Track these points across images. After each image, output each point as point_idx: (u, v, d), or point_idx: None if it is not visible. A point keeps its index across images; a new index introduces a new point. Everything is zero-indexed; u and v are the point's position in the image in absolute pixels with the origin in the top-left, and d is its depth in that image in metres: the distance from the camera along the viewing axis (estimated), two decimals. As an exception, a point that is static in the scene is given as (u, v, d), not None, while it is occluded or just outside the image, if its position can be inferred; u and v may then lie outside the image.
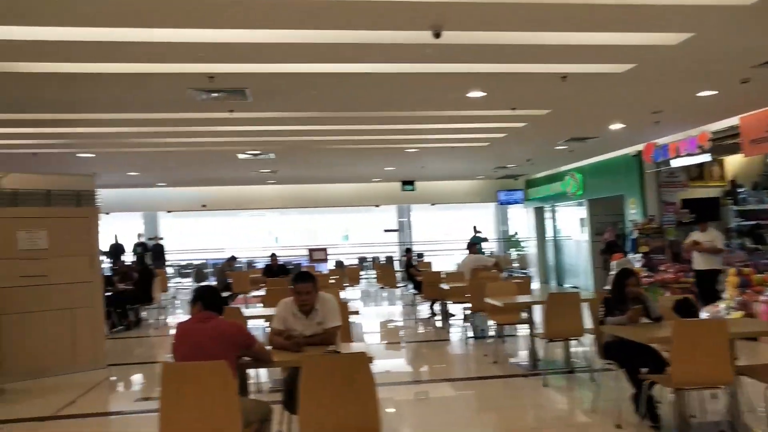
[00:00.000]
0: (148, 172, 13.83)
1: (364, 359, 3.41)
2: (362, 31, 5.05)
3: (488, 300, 7.32)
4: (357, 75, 6.35)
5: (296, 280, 4.48)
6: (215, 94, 6.68)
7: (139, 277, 11.79)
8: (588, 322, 6.32)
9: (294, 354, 4.13)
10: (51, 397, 6.51)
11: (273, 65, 6.02)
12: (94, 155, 10.82)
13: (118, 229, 17.19)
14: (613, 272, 9.21)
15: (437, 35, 4.72)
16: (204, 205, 17.74)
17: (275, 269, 12.04)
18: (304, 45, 5.32)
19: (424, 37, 4.95)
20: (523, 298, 7.63)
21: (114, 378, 7.55)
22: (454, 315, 11.20)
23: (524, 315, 7.56)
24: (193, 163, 12.37)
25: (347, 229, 23.19)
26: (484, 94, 7.31)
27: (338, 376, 3.38)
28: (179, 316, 13.58)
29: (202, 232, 21.45)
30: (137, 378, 7.79)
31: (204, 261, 19.33)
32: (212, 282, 17.07)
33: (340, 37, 5.17)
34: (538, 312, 7.45)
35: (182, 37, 5.04)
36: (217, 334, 3.61)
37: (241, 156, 11.57)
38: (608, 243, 13.21)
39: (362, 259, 19.42)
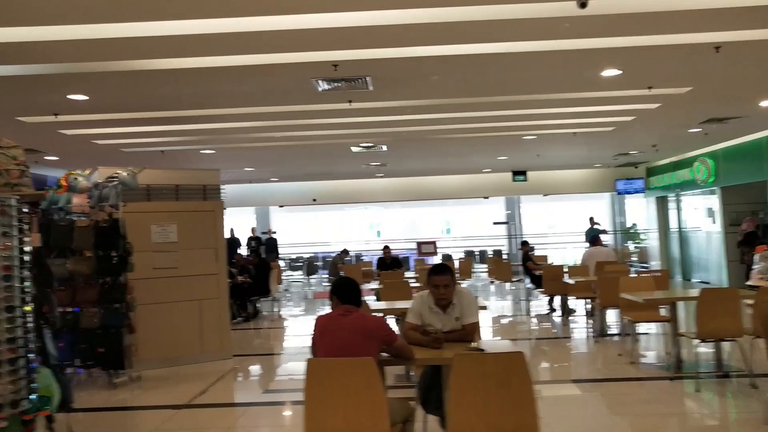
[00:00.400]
0: (263, 167, 14.18)
1: (521, 359, 3.09)
2: (497, 6, 4.70)
3: (625, 295, 6.75)
4: (484, 56, 5.99)
5: (434, 272, 4.23)
6: (337, 84, 6.57)
7: (257, 269, 12.10)
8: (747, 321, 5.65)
9: (433, 351, 3.90)
10: (183, 385, 6.70)
11: (396, 50, 5.80)
12: (214, 151, 11.19)
13: (233, 223, 17.87)
14: (757, 266, 8.29)
15: (583, 5, 4.28)
16: (314, 200, 18.02)
17: (388, 262, 11.93)
18: (431, 25, 5.05)
19: (567, 8, 4.52)
20: (661, 294, 7.00)
21: (240, 368, 7.70)
22: (574, 311, 10.62)
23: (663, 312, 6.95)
24: (307, 157, 12.51)
25: (449, 222, 22.86)
26: (620, 72, 6.72)
27: (492, 376, 3.08)
28: (292, 308, 13.86)
29: (309, 226, 21.94)
30: (262, 369, 7.91)
31: (313, 254, 19.74)
32: (324, 275, 17.35)
33: (472, 14, 4.85)
34: (681, 309, 6.77)
35: (307, 23, 4.93)
36: (359, 328, 3.43)
37: (354, 149, 11.55)
38: (747, 234, 12.02)
39: (469, 253, 18.99)
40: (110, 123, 8.38)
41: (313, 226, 22.11)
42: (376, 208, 20.93)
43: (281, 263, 18.37)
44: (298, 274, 19.22)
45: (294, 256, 19.95)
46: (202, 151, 11.12)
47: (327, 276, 15.86)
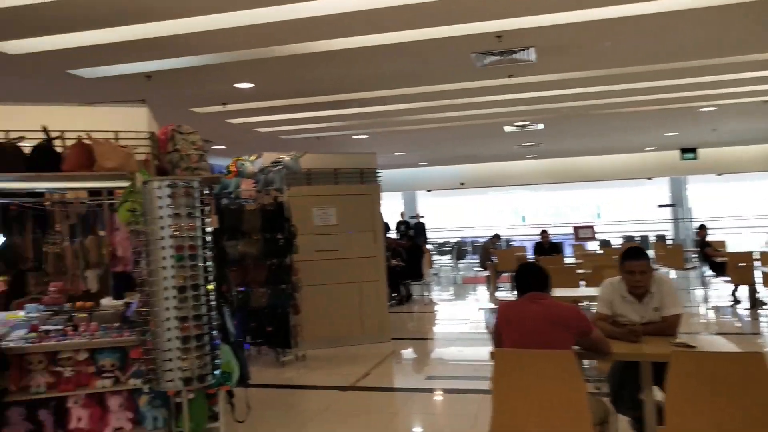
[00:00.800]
0: (414, 151, 14.11)
1: (761, 361, 2.57)
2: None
3: None
4: (665, 15, 5.29)
5: (629, 256, 3.75)
6: (498, 57, 6.18)
7: (409, 253, 12.06)
8: None
9: (629, 345, 3.44)
10: (346, 367, 6.75)
11: (564, 15, 5.30)
12: (368, 136, 11.26)
13: (381, 208, 18.02)
14: None
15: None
16: (462, 183, 17.69)
17: (546, 247, 11.30)
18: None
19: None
20: None
21: (399, 352, 7.64)
22: (765, 304, 9.36)
23: None
24: (458, 138, 12.21)
25: (600, 205, 21.40)
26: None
27: (721, 380, 2.60)
28: (441, 293, 13.71)
29: (453, 211, 21.63)
30: (421, 354, 7.79)
31: (459, 239, 19.45)
32: (473, 260, 17.01)
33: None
34: None
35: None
36: (552, 317, 3.09)
37: (507, 129, 11.05)
38: None
39: (628, 238, 17.60)
40: (272, 110, 8.66)
41: (457, 211, 21.78)
42: (521, 191, 20.13)
43: (428, 247, 18.29)
44: (446, 259, 19.05)
45: (440, 241, 19.82)
46: (355, 136, 11.23)
47: (477, 261, 15.50)
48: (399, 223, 18.17)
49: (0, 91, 6.86)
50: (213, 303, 4.16)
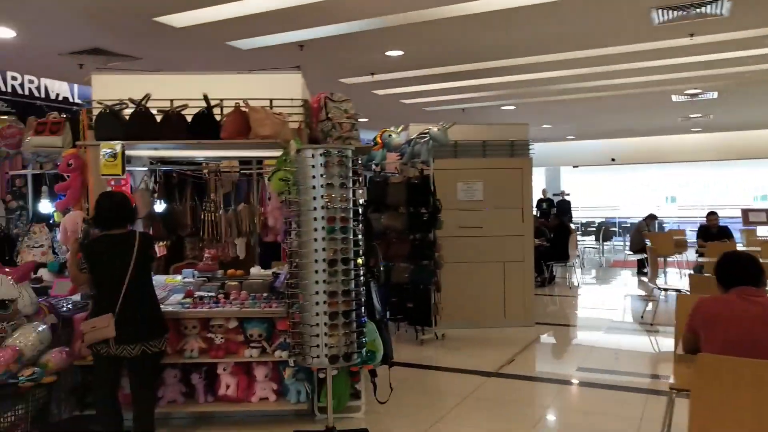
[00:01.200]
0: (563, 123, 13.23)
1: None
2: None
3: None
4: None
5: None
6: (682, 12, 5.37)
7: (555, 232, 11.34)
8: None
9: None
10: (487, 350, 6.40)
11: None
12: (515, 107, 10.65)
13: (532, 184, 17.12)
14: None
15: None
16: (613, 159, 16.42)
17: (714, 231, 10.06)
18: None
19: None
20: None
21: (544, 338, 7.15)
22: None
23: None
24: (615, 110, 11.22)
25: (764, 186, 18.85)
26: None
27: None
28: (584, 276, 12.84)
29: (597, 188, 20.14)
30: (567, 342, 7.24)
31: (604, 219, 18.14)
32: (619, 242, 15.80)
33: None
34: None
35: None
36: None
37: (675, 98, 9.90)
38: None
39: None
40: (419, 80, 8.38)
41: (601, 189, 20.29)
42: (674, 168, 18.23)
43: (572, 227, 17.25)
44: (589, 240, 17.90)
45: (584, 221, 18.64)
46: (503, 108, 10.66)
47: (624, 243, 14.35)
48: (540, 201, 17.30)
49: (165, 63, 7.19)
50: (362, 278, 3.98)
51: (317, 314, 3.76)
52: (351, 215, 3.90)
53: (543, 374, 5.82)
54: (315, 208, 3.82)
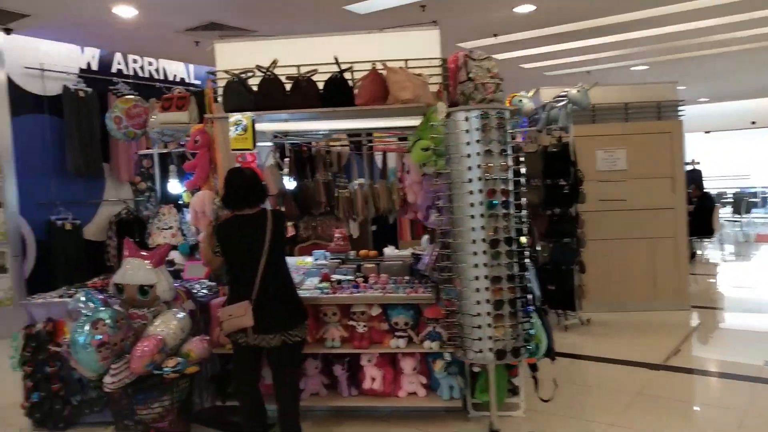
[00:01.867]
0: (697, 85, 11.88)
1: None
2: None
3: None
4: None
5: None
6: None
7: (697, 205, 10.19)
8: None
9: None
10: (643, 338, 5.69)
11: None
12: (648, 67, 9.59)
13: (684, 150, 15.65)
14: None
15: None
16: (753, 122, 14.72)
17: None
18: None
19: None
20: None
21: (707, 323, 6.29)
22: None
23: None
24: (760, 66, 9.83)
25: None
26: None
27: None
28: (725, 253, 11.55)
29: (729, 155, 18.17)
30: (738, 329, 6.32)
31: (738, 189, 16.34)
32: (760, 214, 14.19)
33: None
34: None
35: None
36: None
37: None
38: None
39: None
40: (543, 41, 7.61)
41: (730, 156, 18.28)
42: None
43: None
44: (724, 212, 16.23)
45: (715, 191, 16.90)
46: (633, 68, 9.63)
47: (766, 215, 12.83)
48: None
49: (282, 30, 6.91)
50: (526, 261, 3.44)
51: (478, 302, 3.26)
52: (512, 188, 3.36)
53: (724, 369, 5.01)
54: (471, 180, 3.30)
